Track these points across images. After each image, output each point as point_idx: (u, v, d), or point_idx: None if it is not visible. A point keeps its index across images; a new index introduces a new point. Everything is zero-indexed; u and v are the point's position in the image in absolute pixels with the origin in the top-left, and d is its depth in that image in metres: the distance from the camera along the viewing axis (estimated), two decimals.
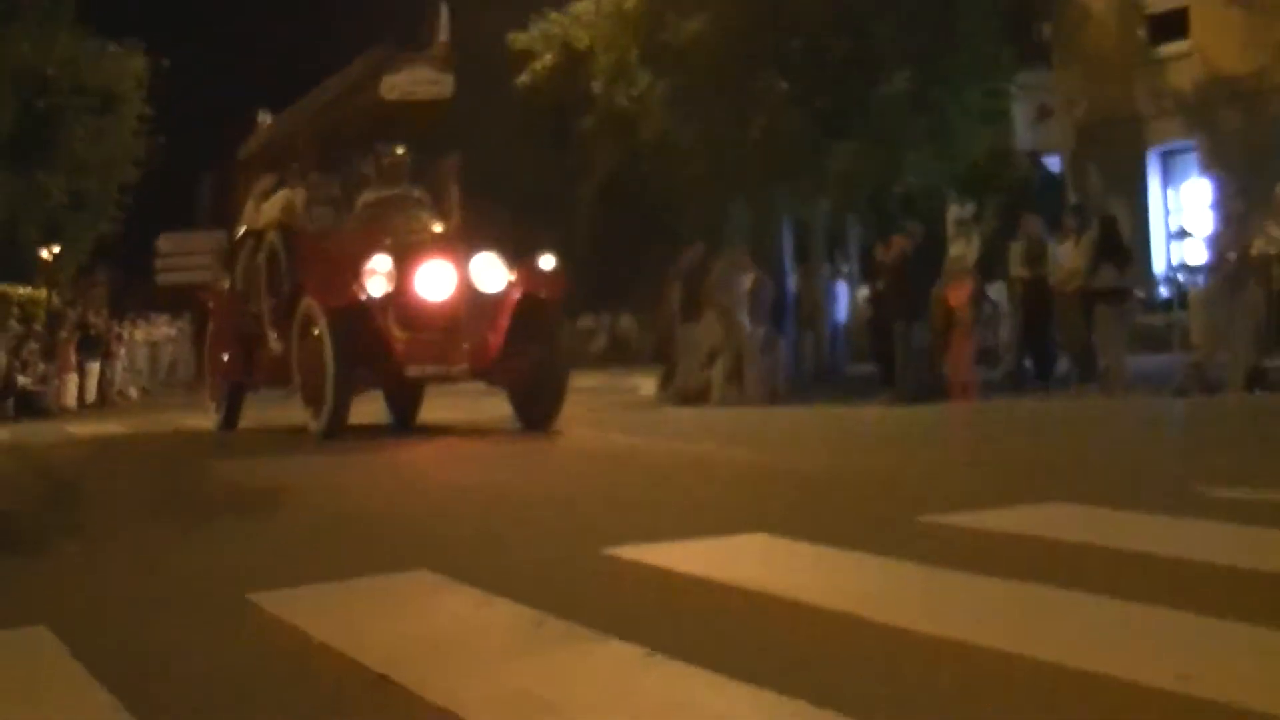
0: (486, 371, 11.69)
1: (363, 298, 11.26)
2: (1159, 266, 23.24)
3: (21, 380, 23.40)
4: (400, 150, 13.14)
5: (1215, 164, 23.08)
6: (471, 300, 11.45)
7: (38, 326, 27.08)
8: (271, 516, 7.13)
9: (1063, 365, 16.28)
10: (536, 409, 11.69)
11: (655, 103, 19.88)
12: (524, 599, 4.06)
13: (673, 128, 19.92)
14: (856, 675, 3.19)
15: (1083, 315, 15.32)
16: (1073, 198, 22.98)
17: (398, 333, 11.34)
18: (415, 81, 12.28)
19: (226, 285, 14.68)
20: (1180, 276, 15.93)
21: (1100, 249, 15.14)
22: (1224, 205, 15.24)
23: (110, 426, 17.38)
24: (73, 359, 25.57)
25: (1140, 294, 18.47)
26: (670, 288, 17.64)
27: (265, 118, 15.78)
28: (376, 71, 12.54)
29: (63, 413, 23.33)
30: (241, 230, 14.59)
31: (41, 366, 24.36)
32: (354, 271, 11.29)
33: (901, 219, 18.76)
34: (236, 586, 4.57)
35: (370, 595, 4.42)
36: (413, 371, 11.49)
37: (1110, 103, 25.36)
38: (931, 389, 15.71)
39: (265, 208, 13.85)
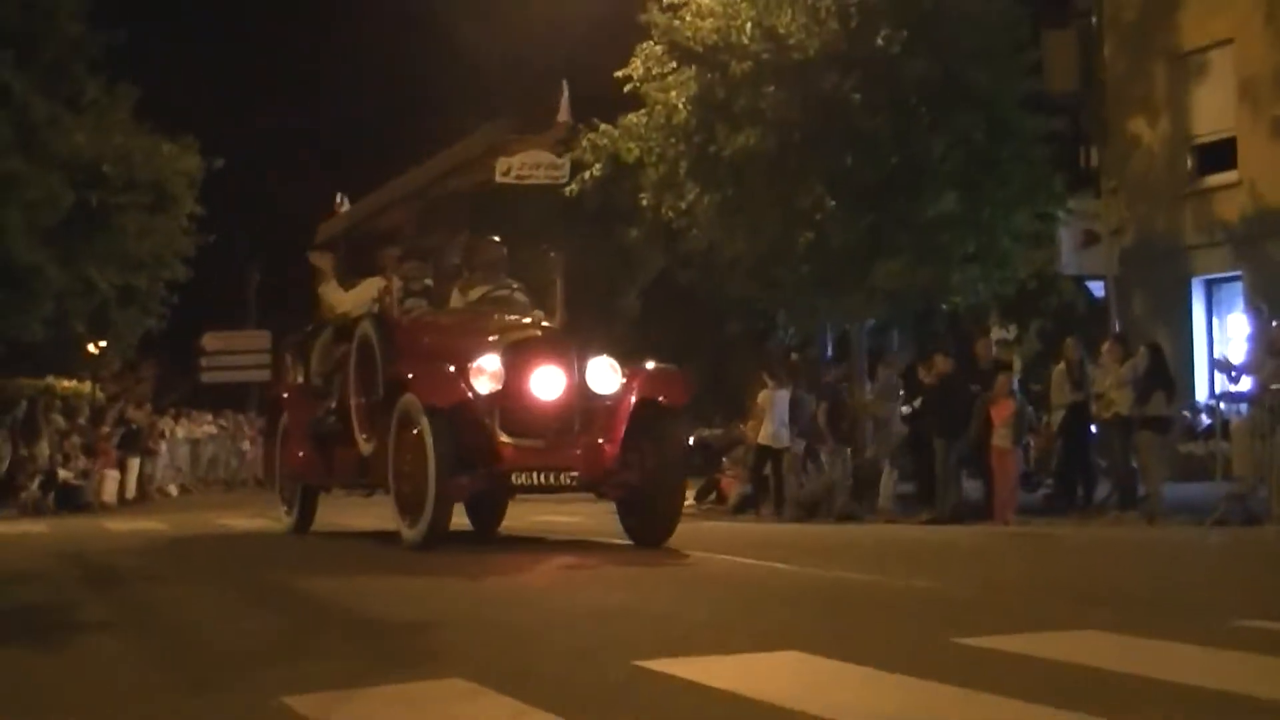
0: (598, 482, 10.83)
1: (470, 396, 10.50)
2: (1201, 395, 23.16)
3: (63, 474, 23.57)
4: (496, 240, 12.66)
5: (1260, 295, 23.12)
6: (584, 404, 10.82)
7: (81, 420, 27.31)
8: (311, 617, 7.17)
9: (1103, 490, 16.26)
10: (648, 525, 10.93)
11: (703, 214, 20.04)
12: (555, 709, 4.09)
13: (720, 239, 20.08)
14: None
15: (1125, 441, 15.35)
16: (1116, 324, 22.98)
17: (504, 437, 10.56)
18: (533, 164, 11.25)
19: (298, 378, 14.16)
20: (1223, 406, 15.89)
21: (1150, 377, 15.19)
22: (1268, 337, 15.26)
23: (150, 523, 17.44)
24: (114, 454, 25.75)
25: (1186, 421, 18.46)
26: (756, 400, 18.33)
27: (343, 202, 14.72)
28: (490, 151, 11.40)
29: (103, 508, 23.43)
30: (317, 322, 13.95)
31: (83, 461, 24.54)
32: (460, 368, 10.59)
33: (946, 337, 18.90)
34: (270, 689, 4.59)
35: (402, 701, 4.45)
36: (519, 480, 10.57)
37: (1156, 231, 25.42)
38: (970, 509, 15.73)
39: (352, 296, 13.10)
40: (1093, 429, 16.41)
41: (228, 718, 4.28)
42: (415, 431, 10.52)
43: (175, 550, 13.25)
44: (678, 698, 4.44)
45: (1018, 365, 20.60)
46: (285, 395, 14.32)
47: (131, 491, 26.15)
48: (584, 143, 21.50)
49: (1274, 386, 14.22)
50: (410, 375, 10.78)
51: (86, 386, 32.95)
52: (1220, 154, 25.06)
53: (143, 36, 28.49)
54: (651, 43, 20.85)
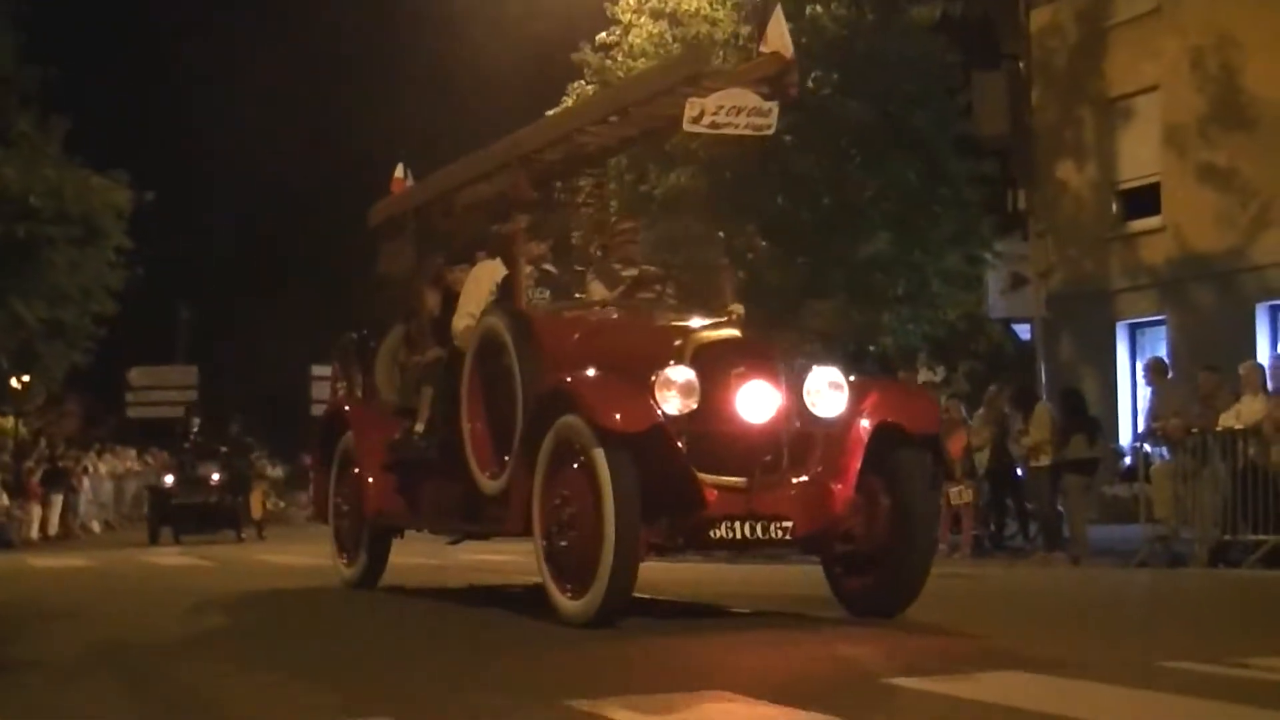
0: (820, 535, 8.00)
1: (662, 419, 7.59)
2: (1125, 438, 23.46)
3: None
4: (630, 223, 10.18)
5: (1184, 340, 23.50)
6: (802, 431, 8.02)
7: (4, 456, 27.05)
8: (245, 660, 7.14)
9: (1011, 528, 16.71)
10: (885, 590, 8.11)
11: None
12: None
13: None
14: None
15: (1051, 483, 15.64)
16: (1043, 366, 23.29)
17: (703, 475, 7.74)
18: (733, 108, 8.30)
19: (359, 394, 11.53)
20: (1147, 448, 16.14)
21: (1068, 421, 15.51)
22: (1191, 381, 15.55)
23: (75, 560, 17.32)
24: (37, 490, 25.53)
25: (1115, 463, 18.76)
26: None
27: (407, 175, 11.81)
28: (670, 89, 8.57)
29: (25, 545, 23.23)
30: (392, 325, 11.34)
31: (4, 498, 24.30)
32: (641, 382, 7.72)
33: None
34: None
35: None
36: (720, 533, 7.75)
37: (1083, 274, 25.76)
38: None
39: (470, 293, 9.76)
40: (1019, 472, 16.70)
41: None
42: (577, 466, 7.74)
43: (108, 585, 13.13)
44: None
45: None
46: (348, 412, 11.39)
47: (54, 528, 25.94)
48: None
49: (1194, 430, 14.48)
50: (577, 390, 7.85)
51: (10, 422, 32.64)
52: (1146, 199, 25.45)
53: (76, 69, 28.44)
54: (583, 82, 21.00)
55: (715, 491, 7.71)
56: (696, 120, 8.26)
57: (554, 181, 10.08)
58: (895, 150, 19.68)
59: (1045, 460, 15.64)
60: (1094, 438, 15.68)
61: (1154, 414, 15.62)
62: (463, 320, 9.61)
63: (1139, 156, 25.65)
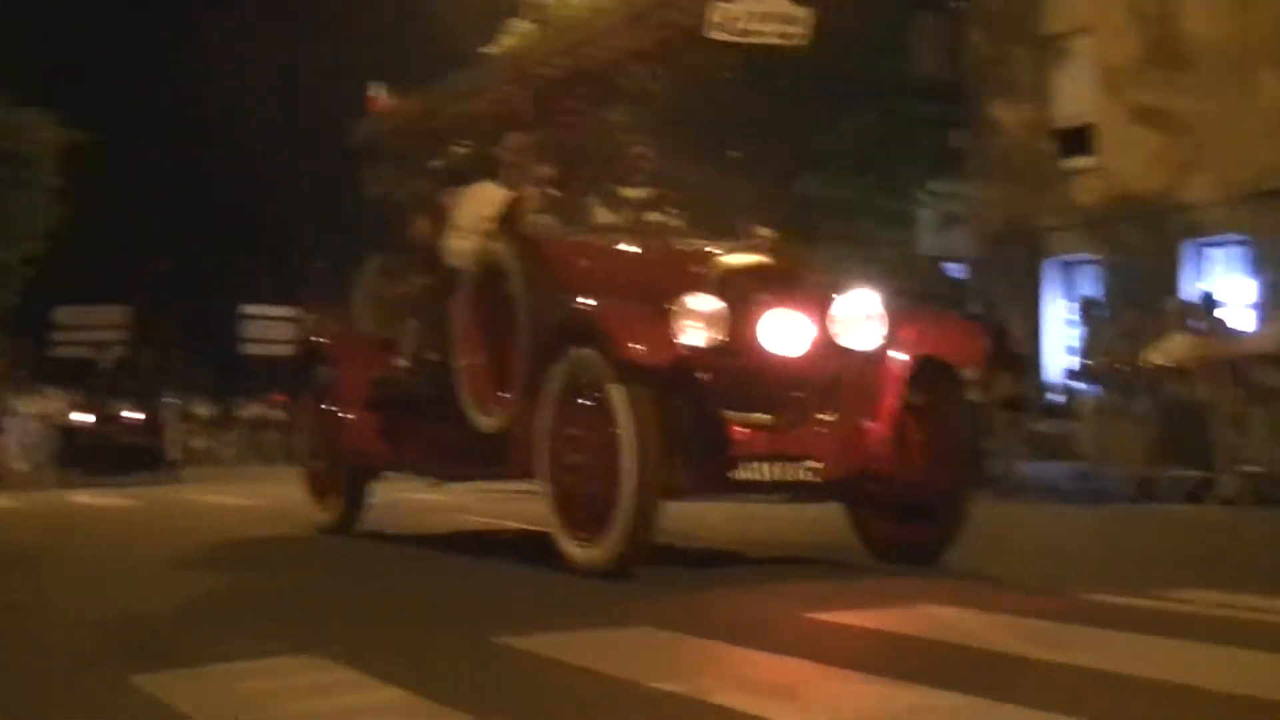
0: (857, 478, 7.33)
1: (687, 352, 6.93)
2: (1054, 375, 23.70)
3: None
4: (640, 143, 9.11)
5: (1114, 278, 23.73)
6: (836, 364, 7.35)
7: None
8: (170, 595, 7.12)
9: None
10: (920, 536, 7.52)
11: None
12: (407, 684, 4.14)
13: None
14: None
15: (978, 420, 15.73)
16: (975, 305, 23.41)
17: (730, 412, 7.19)
18: (762, 14, 7.64)
19: (340, 326, 10.74)
20: (1074, 385, 16.29)
21: (994, 359, 15.57)
22: (1119, 318, 15.70)
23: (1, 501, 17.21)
24: None
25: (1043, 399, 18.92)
26: None
27: (382, 91, 10.71)
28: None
29: None
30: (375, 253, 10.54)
31: None
32: (662, 311, 6.95)
33: None
34: (121, 670, 4.56)
35: (255, 677, 4.46)
36: (744, 474, 7.13)
37: (1016, 213, 25.93)
38: None
39: (462, 208, 9.04)
40: None
41: (77, 702, 4.25)
42: (591, 403, 7.06)
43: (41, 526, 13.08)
44: (530, 670, 4.51)
45: None
46: (324, 345, 10.61)
47: None
48: None
49: (1122, 366, 14.64)
50: (592, 319, 7.19)
51: None
52: (1080, 139, 25.63)
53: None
54: (521, 20, 20.87)
55: (749, 431, 7.14)
56: (721, 26, 7.60)
57: (558, 99, 9.05)
58: (854, 93, 19.69)
59: (973, 397, 15.69)
60: (1019, 375, 15.82)
61: (1084, 351, 15.78)
62: (458, 240, 8.82)
63: (1074, 97, 25.84)
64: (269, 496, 15.75)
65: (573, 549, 7.10)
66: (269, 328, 37.60)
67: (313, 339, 11.15)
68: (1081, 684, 4.14)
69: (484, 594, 6.91)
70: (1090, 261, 25.44)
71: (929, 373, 7.37)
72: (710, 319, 6.94)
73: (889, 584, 6.81)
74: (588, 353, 7.04)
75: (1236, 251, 23.14)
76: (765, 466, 7.12)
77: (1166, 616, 5.53)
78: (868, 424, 7.27)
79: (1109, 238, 24.84)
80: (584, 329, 7.15)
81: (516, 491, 11.02)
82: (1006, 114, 26.79)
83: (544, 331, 7.61)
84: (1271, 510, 12.89)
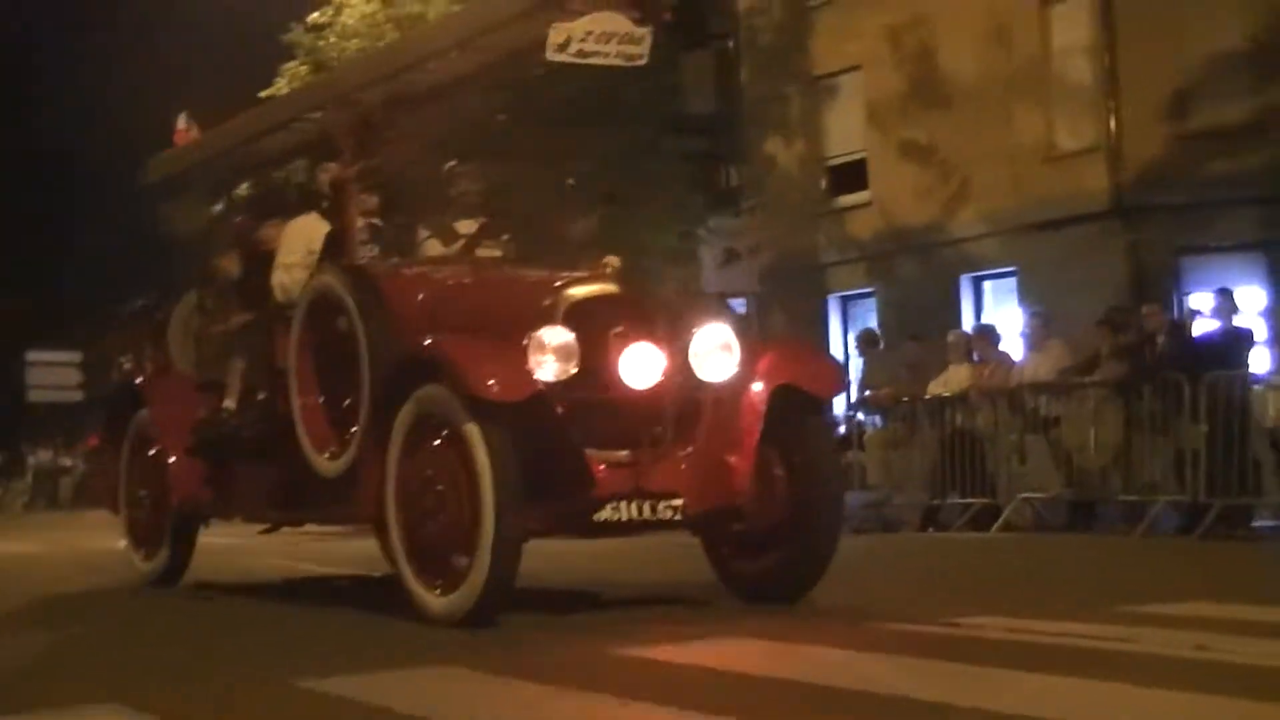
0: (717, 513, 7.08)
1: (543, 387, 6.64)
2: (838, 408, 24.11)
3: None
4: (467, 169, 8.74)
5: (892, 311, 24.27)
6: (693, 396, 7.11)
7: None
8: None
9: None
10: (788, 573, 7.24)
11: None
12: None
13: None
14: None
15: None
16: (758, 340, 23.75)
17: (589, 450, 6.86)
18: (604, 34, 7.26)
19: (158, 367, 10.19)
20: (860, 416, 16.62)
21: None
22: (899, 350, 16.08)
23: None
24: None
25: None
26: None
27: (190, 126, 10.24)
28: (529, 9, 7.40)
29: None
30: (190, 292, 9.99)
31: None
32: (512, 345, 6.71)
33: None
34: None
35: None
36: (605, 515, 6.79)
37: (794, 248, 26.34)
38: None
39: (286, 249, 8.49)
40: None
41: None
42: (441, 442, 6.75)
43: None
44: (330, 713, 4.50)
45: None
46: (143, 387, 9.99)
47: None
48: None
49: (904, 399, 14.99)
50: (441, 355, 6.84)
51: None
52: (853, 175, 26.19)
53: None
54: (296, 62, 20.72)
55: (609, 468, 6.85)
56: (562, 48, 7.19)
57: (378, 125, 8.45)
58: (608, 126, 19.80)
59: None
60: None
61: (865, 383, 16.12)
62: (285, 274, 8.34)
63: (845, 133, 26.43)
64: (63, 544, 15.49)
65: (429, 599, 6.71)
66: (55, 373, 36.80)
67: (130, 380, 10.57)
68: (873, 709, 4.27)
69: (299, 640, 6.80)
70: (869, 295, 25.97)
71: (787, 404, 7.13)
72: (563, 351, 6.69)
73: (680, 614, 6.89)
74: (437, 390, 6.73)
75: (1008, 283, 23.79)
76: (625, 505, 6.81)
77: (955, 641, 5.68)
78: (729, 458, 7.03)
79: (886, 271, 25.41)
80: (432, 365, 6.82)
81: (323, 534, 10.84)
82: (780, 150, 27.28)
83: (387, 368, 7.24)
84: (1052, 536, 13.31)
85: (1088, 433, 13.80)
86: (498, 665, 5.29)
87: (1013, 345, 16.27)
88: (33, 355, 37.44)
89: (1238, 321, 14.49)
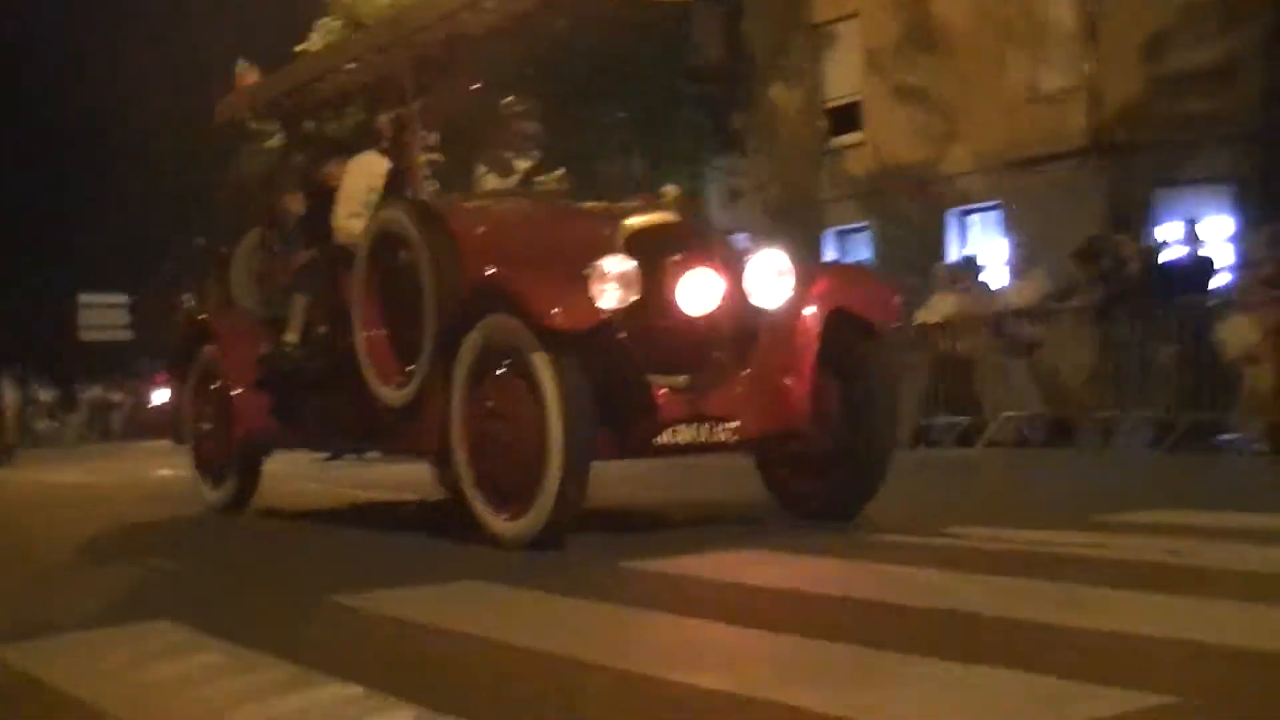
0: (776, 434, 6.81)
1: (607, 316, 6.32)
2: None
3: None
4: (524, 104, 8.35)
5: (885, 244, 24.25)
6: (750, 321, 6.86)
7: None
8: (41, 566, 6.95)
9: None
10: (842, 492, 6.99)
11: None
12: (257, 646, 4.11)
13: None
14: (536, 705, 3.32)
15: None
16: None
17: (652, 375, 6.61)
18: None
19: (221, 304, 9.90)
20: None
21: None
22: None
23: None
24: None
25: None
26: None
27: (248, 69, 9.76)
28: None
29: None
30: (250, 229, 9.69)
31: None
32: (575, 275, 6.34)
33: None
34: None
35: (113, 644, 4.39)
36: (666, 439, 6.59)
37: (795, 187, 26.31)
38: None
39: (348, 188, 8.19)
40: None
41: None
42: (507, 370, 6.50)
43: None
44: (372, 627, 4.50)
45: None
46: (208, 324, 9.67)
47: None
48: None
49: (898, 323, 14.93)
50: (508, 285, 6.55)
51: None
52: (849, 117, 26.12)
53: None
54: (329, 18, 20.61)
55: (670, 394, 6.58)
56: None
57: (438, 65, 8.10)
58: (630, 76, 19.71)
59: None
60: None
61: None
62: (347, 216, 8.04)
63: (843, 77, 26.33)
64: (119, 473, 15.45)
65: (499, 524, 6.44)
66: (105, 314, 37.41)
67: (196, 318, 10.19)
68: (858, 613, 4.28)
69: (348, 561, 6.76)
70: (863, 229, 25.93)
71: (843, 328, 6.80)
72: (624, 279, 6.32)
73: (672, 532, 6.84)
74: (503, 319, 6.43)
75: (993, 216, 23.78)
76: (686, 429, 6.58)
77: (950, 551, 5.67)
78: (785, 381, 6.70)
79: (879, 207, 25.36)
80: (498, 295, 6.52)
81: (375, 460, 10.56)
82: (783, 95, 27.19)
83: (452, 300, 6.91)
84: (1033, 451, 13.35)
85: (1065, 355, 13.84)
86: (509, 577, 5.27)
87: (996, 274, 16.25)
88: (84, 298, 37.87)
89: (1203, 251, 14.50)
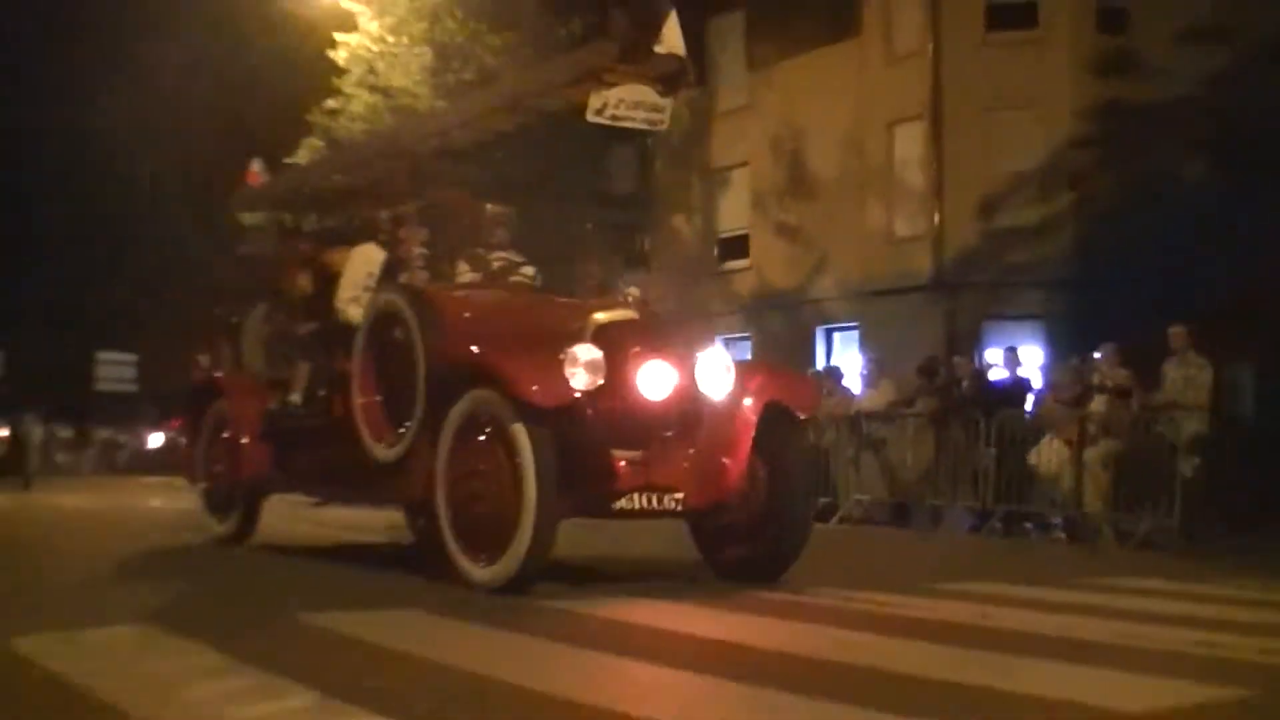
0: (712, 506, 6.80)
1: (577, 395, 6.39)
2: None
3: None
4: (500, 208, 8.43)
5: (763, 352, 24.54)
6: (696, 408, 6.84)
7: None
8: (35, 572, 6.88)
9: None
10: (766, 558, 6.94)
11: None
12: (226, 651, 4.16)
13: None
14: None
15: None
16: None
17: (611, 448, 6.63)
18: (633, 103, 7.02)
19: (232, 365, 9.87)
20: None
21: None
22: None
23: None
24: None
25: None
26: None
27: (260, 168, 10.06)
28: (576, 79, 7.09)
29: None
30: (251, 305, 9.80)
31: None
32: (550, 358, 6.41)
33: None
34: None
35: (113, 644, 4.43)
36: (622, 504, 6.57)
37: (690, 302, 26.57)
38: None
39: (350, 265, 8.37)
40: None
41: None
42: (487, 437, 6.47)
43: None
44: (329, 643, 4.49)
45: None
46: (220, 381, 9.71)
47: None
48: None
49: None
50: (493, 363, 6.55)
51: None
52: (738, 246, 26.49)
53: None
54: (313, 139, 20.69)
55: (629, 464, 6.54)
56: (599, 111, 6.90)
57: (428, 170, 8.21)
58: (549, 199, 19.89)
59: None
60: None
61: None
62: (348, 300, 8.17)
63: (733, 213, 26.73)
64: (122, 502, 15.47)
65: (473, 569, 6.38)
66: (117, 369, 41.69)
67: (209, 375, 10.13)
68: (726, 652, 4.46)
69: (320, 587, 6.75)
70: (746, 339, 26.24)
71: (772, 416, 6.87)
72: (592, 365, 6.37)
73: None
74: (487, 393, 6.42)
75: (853, 334, 24.12)
76: (639, 496, 6.55)
77: (800, 607, 5.80)
78: (724, 460, 6.74)
79: (760, 321, 25.71)
80: (483, 371, 6.52)
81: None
82: (683, 225, 27.53)
83: (441, 373, 6.90)
84: (877, 528, 13.55)
85: (906, 451, 14.06)
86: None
87: (853, 382, 16.55)
88: (101, 356, 40.15)
89: (1021, 373, 14.88)
